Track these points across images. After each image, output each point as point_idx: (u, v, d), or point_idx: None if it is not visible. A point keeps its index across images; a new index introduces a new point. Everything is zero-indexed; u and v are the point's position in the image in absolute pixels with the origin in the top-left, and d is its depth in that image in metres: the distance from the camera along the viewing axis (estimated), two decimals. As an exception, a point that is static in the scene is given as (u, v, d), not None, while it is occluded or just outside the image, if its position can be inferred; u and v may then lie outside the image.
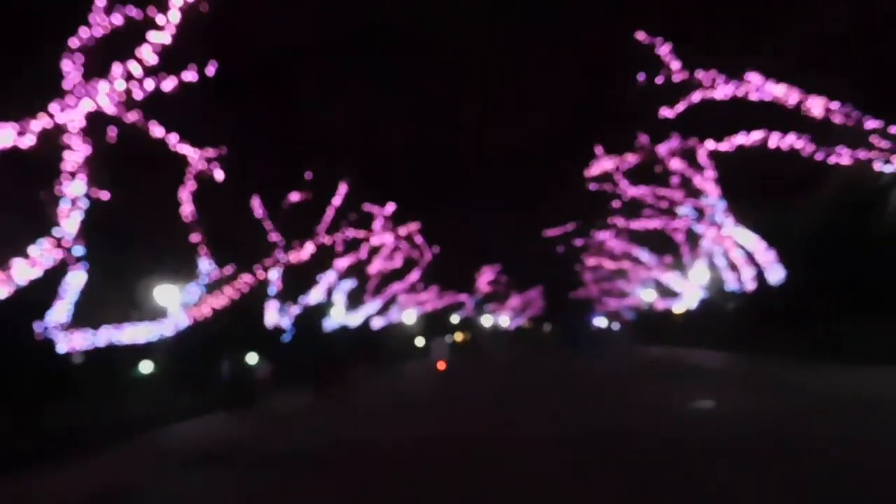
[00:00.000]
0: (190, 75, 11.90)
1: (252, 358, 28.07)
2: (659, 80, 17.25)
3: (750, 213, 24.42)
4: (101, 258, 15.97)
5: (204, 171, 15.44)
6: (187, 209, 18.75)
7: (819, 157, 15.90)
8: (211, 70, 11.92)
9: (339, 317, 34.85)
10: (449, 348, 44.70)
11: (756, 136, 17.12)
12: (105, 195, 13.70)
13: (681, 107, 17.12)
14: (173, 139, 13.93)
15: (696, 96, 16.99)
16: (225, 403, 18.35)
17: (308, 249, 23.88)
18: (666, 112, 17.39)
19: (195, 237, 19.57)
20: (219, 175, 15.16)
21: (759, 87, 16.72)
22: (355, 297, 36.68)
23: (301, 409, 19.05)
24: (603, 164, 27.62)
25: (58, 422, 14.66)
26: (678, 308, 43.39)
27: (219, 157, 17.78)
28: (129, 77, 11.32)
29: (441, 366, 38.52)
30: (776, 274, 24.79)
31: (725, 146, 17.74)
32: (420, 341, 54.27)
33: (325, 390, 23.93)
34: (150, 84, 11.58)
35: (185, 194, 18.83)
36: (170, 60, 11.56)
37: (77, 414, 15.44)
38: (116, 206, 15.73)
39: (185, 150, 14.61)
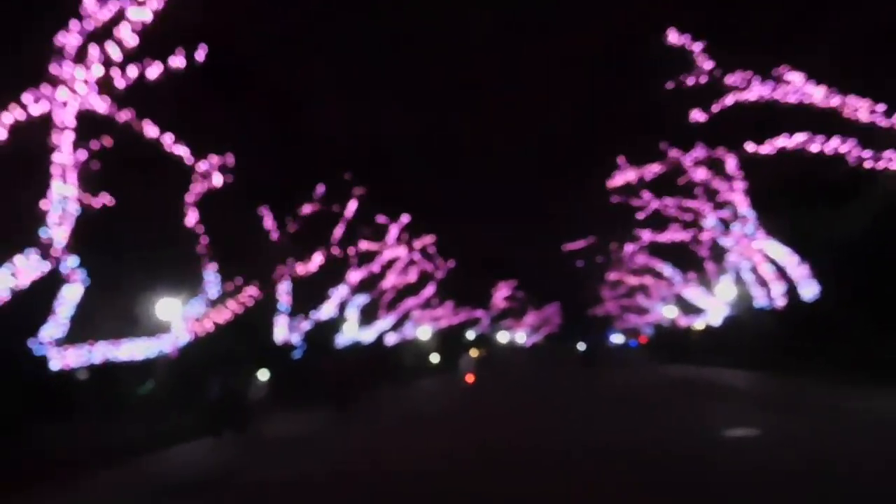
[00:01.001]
0: (178, 61, 10.94)
1: (263, 374, 27.17)
2: (690, 81, 16.23)
3: (781, 225, 23.19)
4: (97, 269, 15.14)
5: (208, 178, 14.47)
6: (191, 217, 17.88)
7: (868, 162, 14.73)
8: (201, 55, 10.99)
9: (351, 332, 33.88)
10: (475, 363, 44.14)
11: (799, 138, 15.96)
12: (98, 202, 12.82)
13: (714, 109, 16.02)
14: (168, 140, 13.03)
15: (730, 99, 15.89)
16: (213, 427, 16.20)
17: (316, 261, 22.88)
18: (697, 116, 16.30)
19: (200, 247, 18.72)
20: (217, 180, 14.23)
21: (798, 89, 15.60)
22: (369, 312, 35.71)
23: (306, 432, 17.52)
24: (626, 174, 26.56)
25: (36, 444, 13.69)
26: (699, 325, 42.08)
27: (224, 165, 17.07)
28: (107, 62, 10.41)
29: (470, 378, 38.27)
30: (809, 289, 23.52)
31: (767, 149, 16.58)
32: (435, 358, 53.09)
33: (337, 410, 22.81)
34: (132, 71, 10.66)
35: (190, 202, 17.97)
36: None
37: (62, 436, 14.47)
38: (112, 212, 14.95)
39: (182, 151, 13.67)
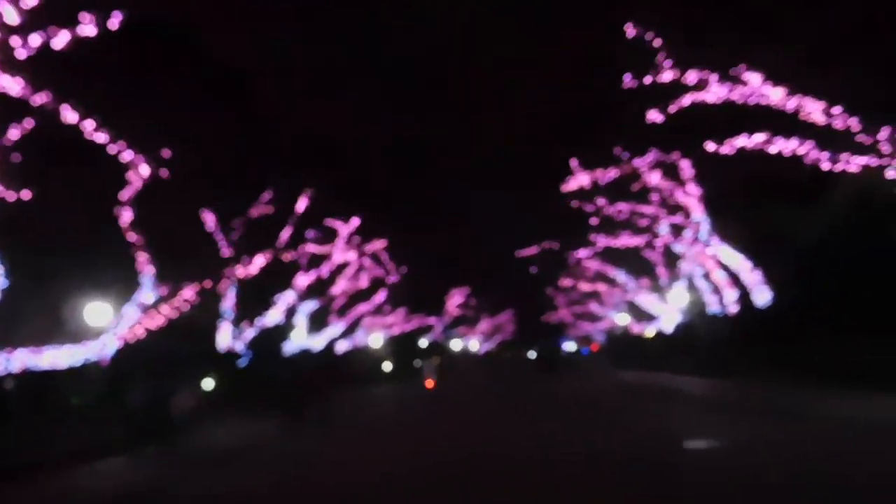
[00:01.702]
0: (87, 29, 9.88)
1: (208, 383, 25.86)
2: (648, 80, 15.86)
3: (736, 230, 23.11)
4: (18, 268, 13.96)
5: (136, 170, 13.39)
6: (126, 215, 16.70)
7: (825, 164, 14.55)
8: (114, 23, 9.95)
9: (300, 339, 32.78)
10: (435, 369, 44.14)
11: (759, 138, 15.70)
12: (14, 196, 11.69)
13: (671, 110, 15.67)
14: (89, 126, 11.95)
15: (688, 99, 15.57)
16: (136, 441, 14.55)
17: (258, 263, 21.74)
18: (655, 116, 15.93)
19: (135, 248, 17.52)
20: (145, 171, 13.18)
21: (756, 90, 15.36)
22: (318, 318, 34.66)
23: (248, 442, 16.31)
24: (580, 179, 26.23)
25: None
26: (651, 331, 42.18)
27: (160, 158, 16.00)
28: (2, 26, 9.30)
29: (430, 384, 39.80)
30: (762, 295, 23.50)
31: (726, 149, 16.29)
32: (388, 365, 52.11)
33: (286, 419, 21.74)
34: (35, 40, 9.57)
35: (125, 198, 16.77)
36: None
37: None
38: (36, 207, 13.78)
39: (104, 139, 12.58)
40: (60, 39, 9.73)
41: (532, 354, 63.10)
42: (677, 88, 16.51)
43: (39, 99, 10.67)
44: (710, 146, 16.60)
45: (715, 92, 15.97)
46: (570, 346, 79.29)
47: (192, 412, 15.08)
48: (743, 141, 15.95)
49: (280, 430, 18.99)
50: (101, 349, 15.58)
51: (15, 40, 9.37)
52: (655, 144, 23.20)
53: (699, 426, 13.44)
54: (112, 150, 12.84)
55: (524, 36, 43.19)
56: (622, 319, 45.73)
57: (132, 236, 16.76)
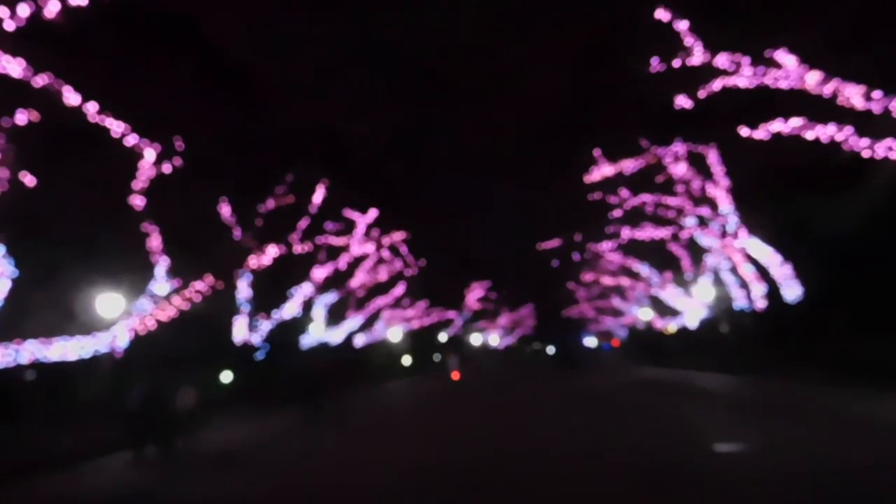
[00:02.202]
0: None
1: (226, 377, 25.57)
2: (676, 63, 15.17)
3: (765, 222, 22.30)
4: (27, 259, 13.66)
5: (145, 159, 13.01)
6: (138, 204, 16.34)
7: (865, 152, 13.75)
8: None
9: (318, 333, 32.45)
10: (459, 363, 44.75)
11: (795, 122, 14.89)
12: (21, 181, 11.34)
13: (700, 95, 14.97)
14: (92, 109, 11.57)
15: (718, 84, 14.85)
16: (133, 441, 13.51)
17: (271, 253, 21.27)
18: (683, 102, 15.24)
19: (149, 239, 17.19)
20: (150, 155, 12.80)
21: (791, 73, 14.60)
22: (337, 312, 34.31)
23: (257, 441, 15.54)
24: (603, 170, 25.56)
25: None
26: (672, 327, 41.31)
27: (172, 147, 15.66)
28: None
29: (455, 376, 40.83)
30: (792, 290, 22.67)
31: (761, 133, 15.47)
32: (407, 360, 51.70)
33: (303, 414, 21.34)
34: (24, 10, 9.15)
35: (138, 187, 16.43)
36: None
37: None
38: (46, 196, 13.48)
39: (110, 124, 12.20)
40: (51, 9, 9.29)
41: (550, 350, 62.20)
42: (707, 73, 15.83)
43: (41, 80, 10.29)
44: (745, 131, 15.75)
45: (747, 76, 15.24)
46: (590, 341, 78.40)
47: (193, 409, 14.21)
48: (779, 126, 15.13)
49: (293, 427, 18.56)
50: (112, 341, 15.26)
51: (3, 10, 8.96)
52: (682, 133, 22.46)
53: (728, 427, 12.78)
54: (116, 133, 12.43)
55: (545, 20, 42.26)
56: (645, 314, 44.92)
57: (145, 226, 16.42)
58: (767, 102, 16.12)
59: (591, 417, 15.65)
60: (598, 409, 17.60)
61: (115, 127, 12.45)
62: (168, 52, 17.47)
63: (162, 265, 16.84)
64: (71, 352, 14.60)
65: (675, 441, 11.09)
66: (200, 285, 17.21)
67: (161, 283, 16.75)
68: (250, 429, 18.25)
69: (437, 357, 60.62)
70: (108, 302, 16.04)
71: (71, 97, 11.11)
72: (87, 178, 15.34)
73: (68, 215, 14.97)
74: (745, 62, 15.09)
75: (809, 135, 14.56)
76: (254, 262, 20.14)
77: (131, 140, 12.86)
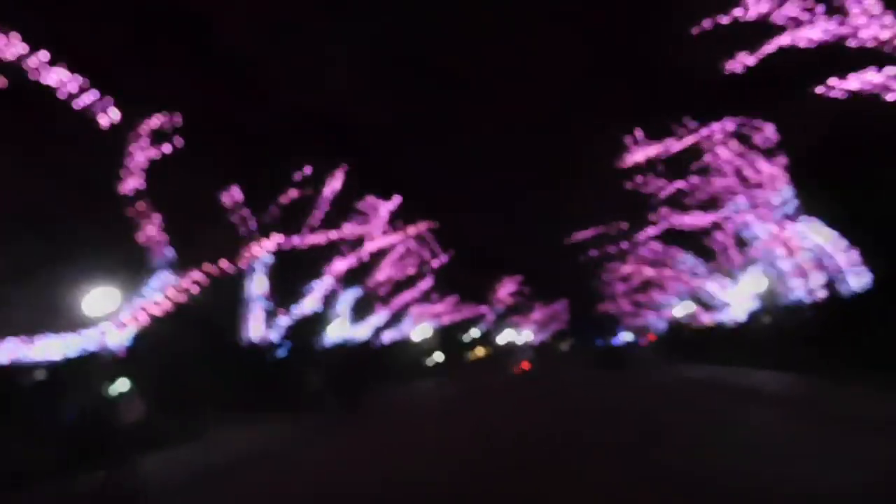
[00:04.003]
0: None
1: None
2: (724, 20, 13.18)
3: (826, 203, 20.07)
4: (5, 249, 12.30)
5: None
6: (132, 185, 14.89)
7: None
8: None
9: (342, 329, 30.89)
10: (533, 353, 44.65)
11: (875, 78, 12.70)
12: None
13: (757, 56, 12.94)
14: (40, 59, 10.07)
15: (784, 40, 12.79)
16: (64, 467, 11.31)
17: (273, 242, 19.43)
18: (735, 65, 13.22)
19: (149, 227, 15.73)
20: (114, 115, 11.28)
21: (865, 25, 12.50)
22: (362, 307, 32.75)
23: (236, 461, 13.28)
24: (641, 151, 23.58)
25: None
26: (716, 321, 38.98)
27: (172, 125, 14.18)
28: None
29: (526, 365, 42.17)
30: (859, 278, 20.40)
31: (837, 92, 13.16)
32: (439, 357, 49.93)
33: (319, 423, 19.67)
34: None
35: (134, 167, 14.97)
36: None
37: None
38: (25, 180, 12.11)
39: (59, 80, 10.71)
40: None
41: (589, 347, 59.66)
42: (761, 32, 13.81)
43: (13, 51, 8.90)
44: (820, 89, 13.45)
45: (809, 34, 13.15)
46: (626, 336, 75.84)
47: (149, 422, 11.87)
48: (855, 83, 12.92)
49: (302, 437, 16.77)
50: (101, 338, 13.78)
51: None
52: (730, 107, 20.33)
53: (804, 442, 10.71)
54: (60, 91, 10.95)
55: None
56: (686, 308, 42.63)
57: (137, 212, 14.97)
58: (836, 62, 14.00)
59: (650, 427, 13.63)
60: (651, 415, 15.59)
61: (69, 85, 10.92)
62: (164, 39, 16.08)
63: (158, 256, 15.37)
64: (54, 351, 13.17)
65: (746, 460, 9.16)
66: (198, 276, 15.61)
67: (157, 274, 15.27)
68: (251, 440, 16.51)
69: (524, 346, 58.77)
70: (96, 297, 14.55)
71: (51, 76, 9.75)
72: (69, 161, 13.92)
73: (51, 200, 13.55)
74: (811, 15, 13.02)
75: (890, 96, 12.37)
76: (256, 251, 18.45)
77: (89, 98, 11.32)
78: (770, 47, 13.69)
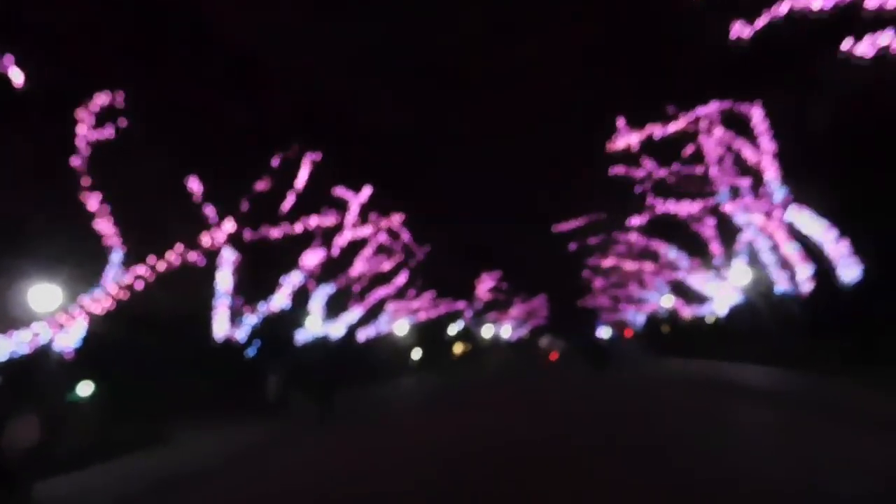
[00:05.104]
0: None
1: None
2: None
3: (818, 193, 19.30)
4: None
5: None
6: (79, 163, 13.57)
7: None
8: None
9: (315, 327, 29.67)
10: (557, 347, 43.02)
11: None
12: None
13: (761, 22, 12.01)
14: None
15: (787, 5, 11.82)
16: None
17: (225, 230, 17.96)
18: (740, 31, 12.24)
19: (103, 221, 14.44)
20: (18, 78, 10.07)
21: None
22: (335, 303, 31.53)
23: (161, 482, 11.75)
24: (627, 138, 22.67)
25: None
26: (698, 315, 38.42)
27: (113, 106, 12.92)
28: None
29: (554, 356, 42.56)
30: (849, 271, 19.66)
31: (865, 47, 12.02)
32: (417, 354, 48.79)
33: (287, 426, 18.50)
34: None
35: (81, 143, 13.62)
36: None
37: None
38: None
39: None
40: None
41: (571, 342, 58.88)
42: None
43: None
44: (847, 43, 12.07)
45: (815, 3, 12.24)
46: (605, 331, 75.26)
47: (46, 446, 10.14)
48: (889, 38, 11.54)
49: (266, 443, 15.61)
50: (34, 340, 12.46)
51: None
52: (719, 89, 19.47)
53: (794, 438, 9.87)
54: None
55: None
56: (667, 301, 41.99)
57: (85, 200, 13.67)
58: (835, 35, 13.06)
59: (638, 425, 12.73)
60: (637, 414, 14.69)
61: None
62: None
63: (112, 248, 14.08)
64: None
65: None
66: (141, 269, 14.23)
67: (110, 268, 13.99)
68: (216, 444, 15.36)
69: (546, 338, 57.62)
70: (42, 293, 13.27)
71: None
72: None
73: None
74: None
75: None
76: (216, 237, 17.04)
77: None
78: (781, 9, 12.67)
